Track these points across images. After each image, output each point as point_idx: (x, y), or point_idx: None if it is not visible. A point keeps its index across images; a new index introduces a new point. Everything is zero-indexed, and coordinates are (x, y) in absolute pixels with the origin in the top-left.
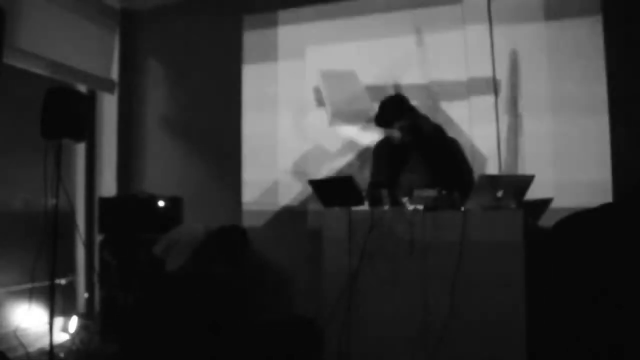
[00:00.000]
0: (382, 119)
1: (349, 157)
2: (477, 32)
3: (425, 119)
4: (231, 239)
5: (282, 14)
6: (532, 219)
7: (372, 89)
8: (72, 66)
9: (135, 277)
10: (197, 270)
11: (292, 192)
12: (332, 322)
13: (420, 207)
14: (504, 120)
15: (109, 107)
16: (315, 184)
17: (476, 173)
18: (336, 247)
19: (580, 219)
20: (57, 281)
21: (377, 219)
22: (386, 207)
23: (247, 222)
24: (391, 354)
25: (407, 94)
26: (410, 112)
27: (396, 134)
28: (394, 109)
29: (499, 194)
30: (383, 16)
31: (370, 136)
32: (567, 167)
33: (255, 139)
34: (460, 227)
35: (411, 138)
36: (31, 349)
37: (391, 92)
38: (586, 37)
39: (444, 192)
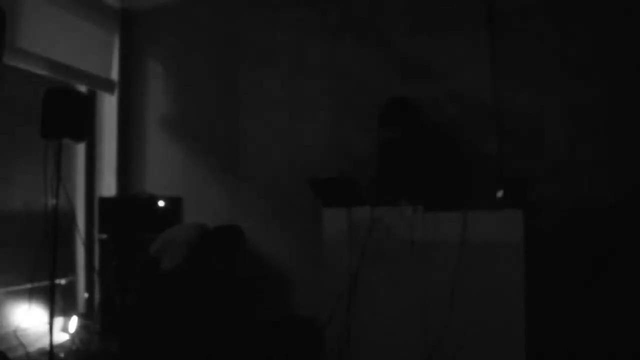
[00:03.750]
0: (384, 119)
1: (349, 156)
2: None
3: (425, 120)
4: (227, 238)
5: (282, 13)
6: (533, 219)
7: (371, 89)
8: (72, 66)
9: (135, 277)
10: (194, 270)
11: (292, 191)
12: (332, 322)
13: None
14: (504, 119)
15: (109, 107)
16: (316, 184)
17: (476, 174)
18: (336, 247)
19: (580, 219)
20: (57, 281)
21: (377, 219)
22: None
23: (246, 221)
24: (391, 354)
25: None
26: (411, 113)
27: (396, 134)
28: (395, 110)
29: (499, 194)
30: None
31: (372, 135)
32: (567, 167)
33: (255, 139)
34: (460, 227)
35: (411, 139)
36: (31, 349)
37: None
38: (586, 36)
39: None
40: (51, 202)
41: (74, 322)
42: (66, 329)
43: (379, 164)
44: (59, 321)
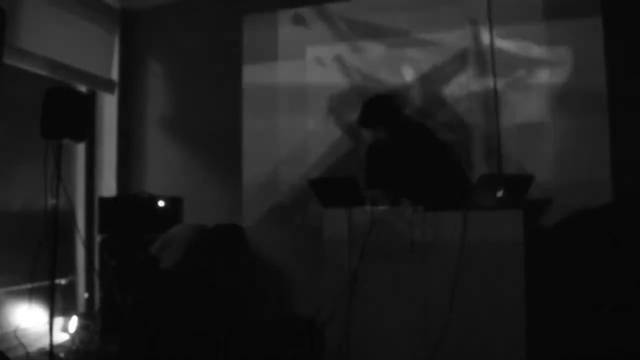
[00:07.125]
0: (364, 120)
1: (349, 156)
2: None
3: (408, 119)
4: (227, 237)
5: (282, 14)
6: (533, 219)
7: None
8: (72, 66)
9: (135, 277)
10: (194, 269)
11: (292, 191)
12: (332, 322)
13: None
14: (505, 119)
15: (109, 107)
16: (316, 184)
17: (475, 173)
18: (336, 247)
19: (580, 219)
20: (57, 281)
21: (377, 219)
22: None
23: (247, 221)
24: (391, 354)
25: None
26: (392, 113)
27: (379, 135)
28: (375, 110)
29: (499, 194)
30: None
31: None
32: (567, 167)
33: (255, 139)
34: (460, 227)
35: (393, 140)
36: (31, 349)
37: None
38: (586, 36)
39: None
40: (51, 202)
41: (74, 322)
42: (66, 329)
43: (366, 165)
44: (59, 321)
